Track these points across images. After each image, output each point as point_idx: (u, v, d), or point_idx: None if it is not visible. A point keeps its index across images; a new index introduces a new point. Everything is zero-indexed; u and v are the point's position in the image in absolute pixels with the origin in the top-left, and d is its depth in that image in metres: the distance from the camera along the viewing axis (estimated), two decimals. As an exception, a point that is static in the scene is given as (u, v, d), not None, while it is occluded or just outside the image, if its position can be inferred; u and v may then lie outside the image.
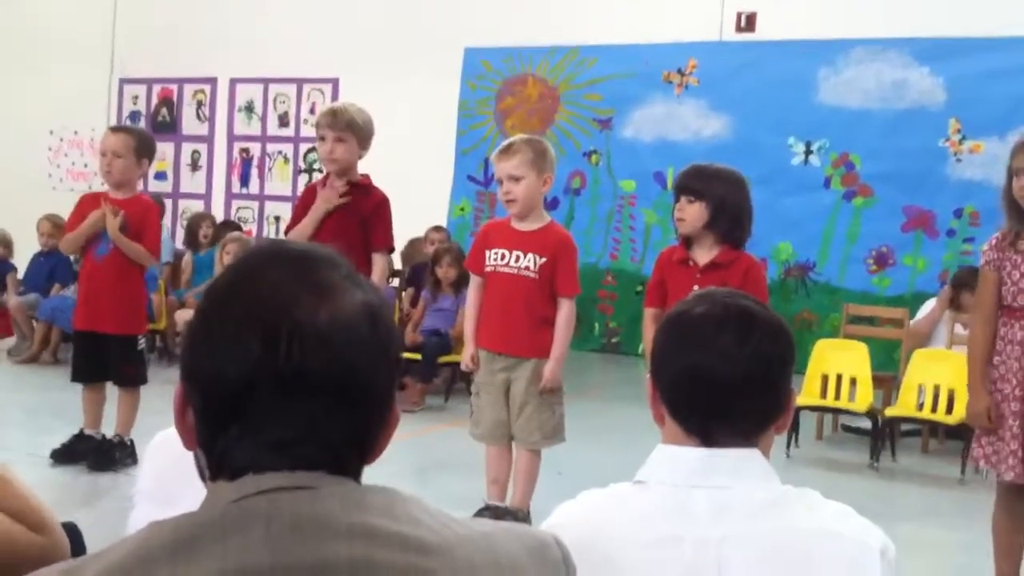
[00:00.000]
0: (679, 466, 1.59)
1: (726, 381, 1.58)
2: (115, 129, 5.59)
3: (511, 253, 4.38)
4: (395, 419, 1.17)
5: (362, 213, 4.78)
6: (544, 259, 4.34)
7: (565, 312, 4.38)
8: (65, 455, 5.37)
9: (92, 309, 5.39)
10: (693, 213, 3.98)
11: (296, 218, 4.93)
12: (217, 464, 1.11)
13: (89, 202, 5.54)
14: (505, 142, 4.49)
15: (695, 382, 1.60)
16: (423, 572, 1.06)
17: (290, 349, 1.06)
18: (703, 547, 1.52)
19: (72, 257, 8.47)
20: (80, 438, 5.41)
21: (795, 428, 6.21)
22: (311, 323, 1.07)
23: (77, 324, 5.54)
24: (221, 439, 1.10)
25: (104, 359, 5.35)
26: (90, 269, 5.44)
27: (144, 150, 5.42)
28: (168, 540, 1.05)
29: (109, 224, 5.26)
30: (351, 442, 1.12)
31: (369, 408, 1.12)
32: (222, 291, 1.12)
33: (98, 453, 5.32)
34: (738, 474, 1.57)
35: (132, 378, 5.39)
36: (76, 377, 5.52)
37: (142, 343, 5.58)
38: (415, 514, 1.10)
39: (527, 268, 4.36)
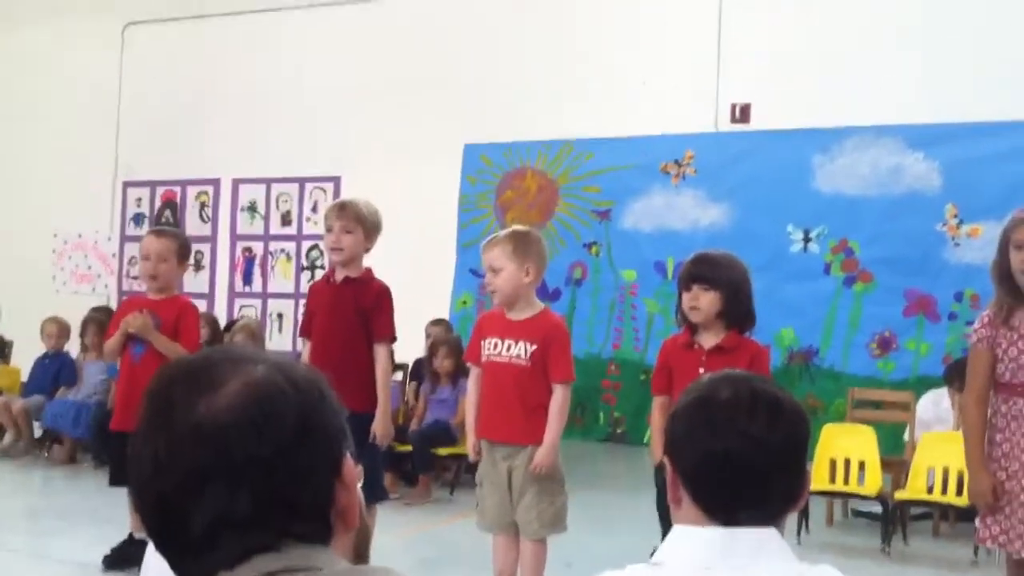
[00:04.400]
0: (698, 547, 1.59)
1: (756, 467, 1.60)
2: (159, 233, 5.61)
3: (503, 342, 4.40)
4: (350, 476, 1.16)
5: (362, 305, 4.80)
6: (535, 346, 4.34)
7: (558, 398, 4.36)
8: (117, 561, 5.26)
9: (129, 411, 5.27)
10: (708, 301, 4.04)
11: (310, 314, 4.97)
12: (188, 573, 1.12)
13: (128, 306, 5.60)
14: (492, 235, 4.56)
15: (724, 467, 1.61)
16: None
17: (188, 442, 1.09)
18: None
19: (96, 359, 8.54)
20: (131, 542, 5.27)
21: (805, 514, 6.16)
22: (202, 422, 1.09)
23: (114, 425, 5.41)
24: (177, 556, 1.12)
25: None
26: (128, 370, 5.40)
27: (184, 252, 5.50)
28: None
29: (141, 326, 5.23)
30: (291, 511, 1.11)
31: (289, 480, 1.10)
32: (138, 429, 1.16)
33: None
34: (757, 554, 1.57)
35: None
36: (115, 481, 5.42)
37: None
38: None
39: (518, 356, 4.36)
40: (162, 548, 1.14)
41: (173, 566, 1.14)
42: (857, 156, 9.60)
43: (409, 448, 7.53)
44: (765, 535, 1.59)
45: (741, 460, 1.60)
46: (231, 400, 1.11)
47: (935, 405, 7.38)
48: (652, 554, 1.67)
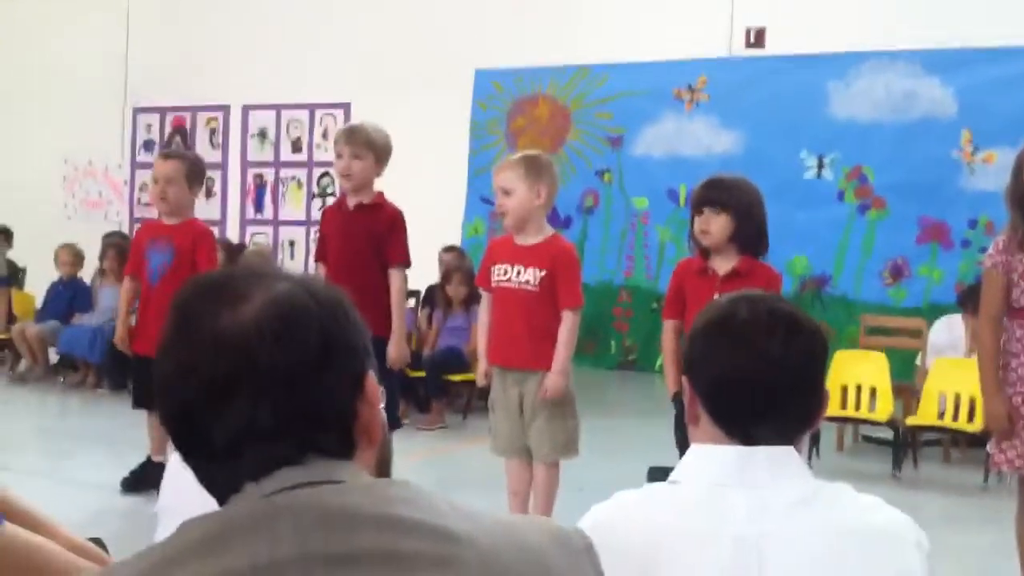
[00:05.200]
0: (715, 465, 1.61)
1: (774, 384, 1.61)
2: (166, 155, 5.59)
3: (512, 268, 4.39)
4: (373, 392, 1.17)
5: (375, 231, 4.80)
6: (544, 272, 4.33)
7: (567, 324, 4.34)
8: (135, 484, 5.31)
9: (149, 333, 5.30)
10: (720, 224, 4.00)
11: (324, 239, 4.96)
12: (214, 482, 1.13)
13: (145, 231, 5.63)
14: (504, 158, 4.52)
15: (742, 385, 1.62)
16: (451, 559, 1.06)
17: (208, 354, 1.09)
18: (742, 544, 1.53)
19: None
20: (149, 465, 5.32)
21: (816, 439, 6.19)
22: (220, 334, 1.10)
23: (135, 347, 5.44)
24: (204, 464, 1.13)
25: None
26: (146, 295, 5.43)
27: (195, 175, 5.43)
28: (198, 537, 1.06)
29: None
30: (313, 421, 1.11)
31: (309, 390, 1.11)
32: (161, 346, 1.16)
33: None
34: (774, 471, 1.59)
35: None
36: (138, 403, 5.46)
37: None
38: (439, 506, 1.11)
39: (527, 282, 4.35)
40: (188, 458, 1.15)
41: (199, 476, 1.15)
42: (872, 81, 9.50)
43: (422, 374, 7.58)
44: (782, 453, 1.60)
45: (758, 379, 1.60)
46: (255, 312, 1.11)
47: (948, 331, 7.37)
48: (649, 476, 1.69)
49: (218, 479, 1.12)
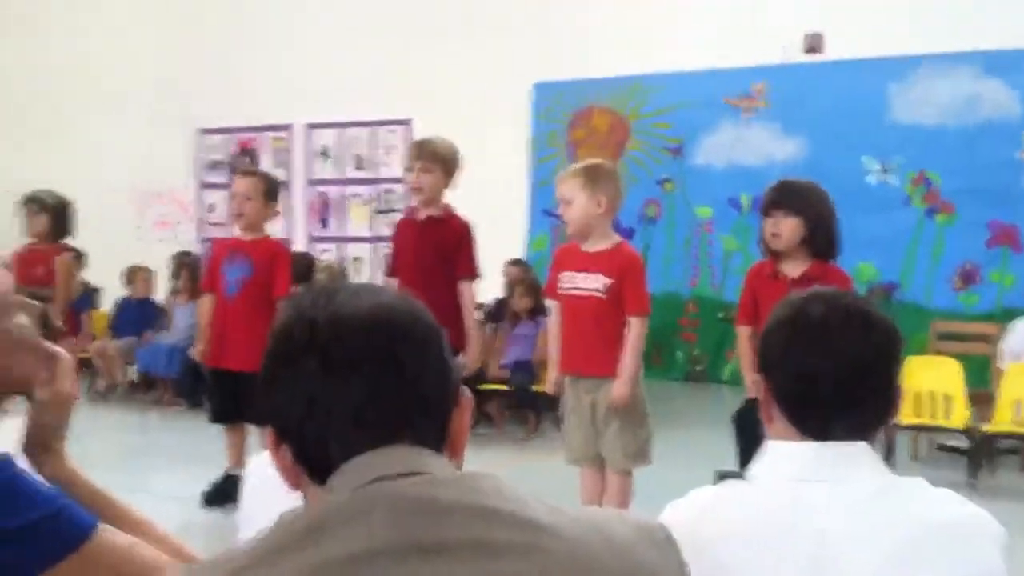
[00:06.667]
0: (792, 461, 1.62)
1: (848, 383, 1.62)
2: (244, 172, 5.84)
3: (579, 275, 4.40)
4: (467, 401, 1.24)
5: (445, 244, 4.84)
6: (611, 279, 4.34)
7: (635, 331, 4.34)
8: (216, 497, 5.40)
9: (225, 347, 5.44)
10: (790, 227, 4.00)
11: (396, 253, 5.01)
12: (314, 467, 1.17)
13: (221, 248, 5.77)
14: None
15: (816, 384, 1.62)
16: (540, 550, 1.10)
17: (326, 334, 1.16)
18: (821, 539, 1.54)
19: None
20: (228, 478, 5.41)
21: (891, 448, 6.12)
22: (337, 317, 1.17)
23: (211, 361, 5.58)
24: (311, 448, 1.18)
25: (239, 398, 5.33)
26: (222, 309, 5.53)
27: (272, 193, 5.58)
28: (298, 528, 1.10)
29: None
30: (418, 408, 1.17)
31: (417, 378, 1.17)
32: (275, 337, 1.21)
33: None
34: (850, 467, 1.60)
35: None
36: (215, 418, 5.58)
37: None
38: (524, 498, 1.15)
39: (595, 289, 4.37)
40: (298, 437, 1.19)
41: (303, 454, 1.19)
42: (933, 84, 9.40)
43: (497, 386, 7.66)
44: (857, 448, 1.61)
45: (833, 376, 1.61)
46: (367, 309, 1.19)
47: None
48: (716, 480, 1.70)
49: (324, 455, 1.16)
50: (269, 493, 1.34)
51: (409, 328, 1.19)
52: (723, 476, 4.65)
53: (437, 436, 1.19)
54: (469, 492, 1.11)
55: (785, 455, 1.63)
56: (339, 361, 1.15)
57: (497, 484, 1.15)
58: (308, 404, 1.16)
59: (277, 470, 1.22)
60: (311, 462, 1.17)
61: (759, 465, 1.64)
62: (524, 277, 8.28)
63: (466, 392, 1.24)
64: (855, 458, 1.60)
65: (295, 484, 1.20)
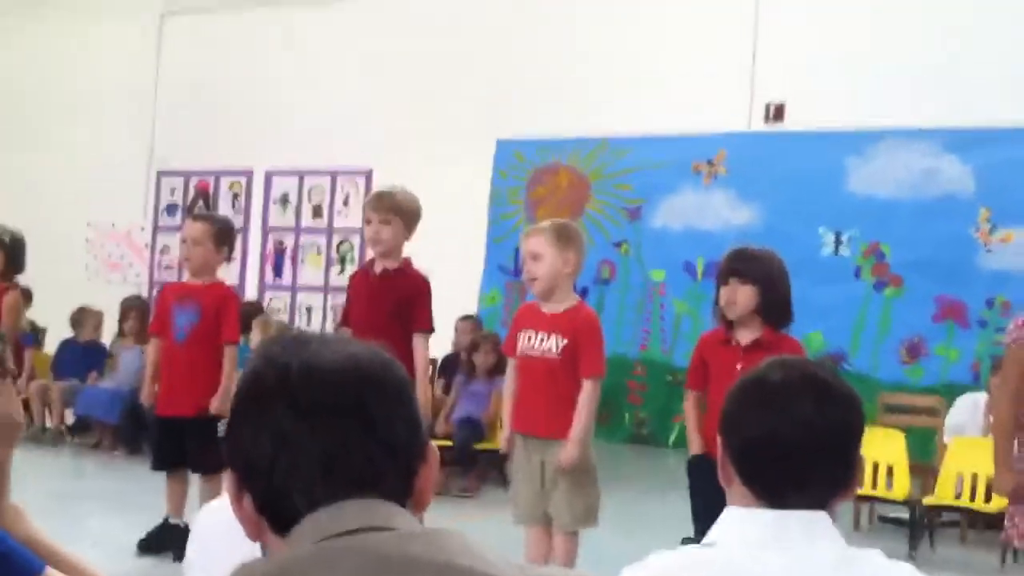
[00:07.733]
0: (751, 528, 1.62)
1: (804, 448, 1.62)
2: (195, 217, 5.84)
3: (536, 335, 4.41)
4: (433, 455, 1.23)
5: (401, 297, 4.83)
6: (566, 341, 4.35)
7: (588, 393, 4.34)
8: (152, 545, 5.31)
9: (173, 393, 5.38)
10: (745, 295, 4.03)
11: (350, 304, 5.01)
12: (277, 517, 1.16)
13: (168, 292, 5.73)
14: (534, 225, 4.58)
15: (773, 447, 1.63)
16: None
17: (298, 379, 1.15)
18: None
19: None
20: (165, 527, 5.33)
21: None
22: (311, 363, 1.17)
23: (158, 410, 5.50)
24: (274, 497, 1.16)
25: (184, 445, 5.28)
26: (170, 354, 5.47)
27: (223, 238, 5.51)
28: None
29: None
30: (387, 460, 1.16)
31: (387, 429, 1.17)
32: (245, 382, 1.21)
33: (184, 542, 5.26)
34: (809, 535, 1.60)
35: (212, 465, 5.15)
36: (157, 465, 5.49)
37: (222, 429, 5.55)
38: (487, 556, 1.14)
39: (550, 350, 4.37)
40: (266, 484, 1.17)
41: (264, 502, 1.17)
42: (891, 158, 9.56)
43: (437, 442, 7.58)
44: (816, 518, 1.62)
45: (789, 442, 1.62)
46: (340, 358, 1.19)
47: (974, 407, 7.32)
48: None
49: (288, 504, 1.15)
50: (217, 542, 1.32)
51: (381, 379, 1.19)
52: (688, 543, 4.65)
53: (404, 490, 1.19)
54: (435, 550, 1.11)
55: (745, 520, 1.63)
56: (309, 406, 1.15)
57: (464, 541, 1.14)
58: (275, 448, 1.14)
59: (238, 519, 1.19)
60: (274, 511, 1.16)
61: (719, 529, 1.65)
62: (490, 335, 8.28)
63: (434, 448, 1.24)
64: (815, 527, 1.61)
65: (256, 534, 1.18)
